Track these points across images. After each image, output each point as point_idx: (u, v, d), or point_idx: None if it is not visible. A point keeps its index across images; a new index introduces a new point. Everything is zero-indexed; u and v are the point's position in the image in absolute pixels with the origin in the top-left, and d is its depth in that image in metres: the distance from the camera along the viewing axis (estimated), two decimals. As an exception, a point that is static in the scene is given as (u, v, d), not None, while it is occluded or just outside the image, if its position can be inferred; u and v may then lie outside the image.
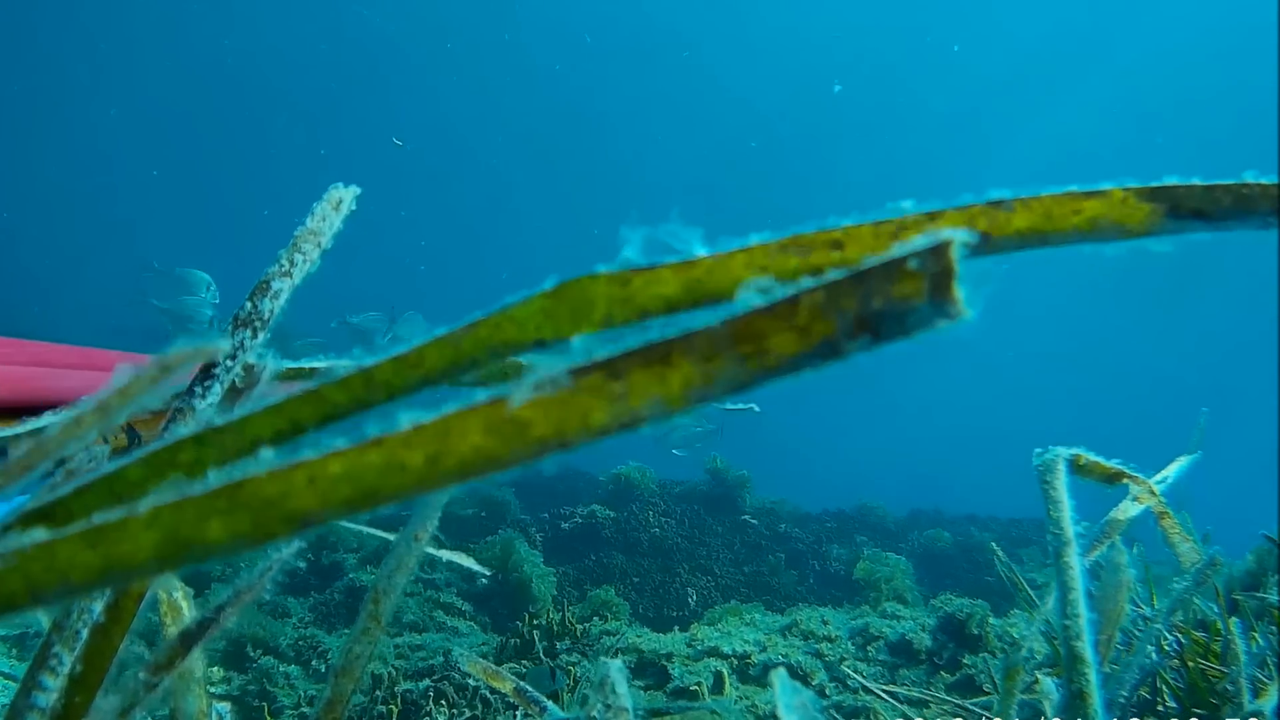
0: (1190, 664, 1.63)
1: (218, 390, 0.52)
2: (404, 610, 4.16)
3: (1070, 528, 0.77)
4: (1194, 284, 23.53)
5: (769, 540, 5.85)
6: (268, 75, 23.20)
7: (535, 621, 3.83)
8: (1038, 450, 0.80)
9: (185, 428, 0.49)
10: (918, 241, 0.20)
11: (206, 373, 0.51)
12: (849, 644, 4.01)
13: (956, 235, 0.20)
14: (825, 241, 0.31)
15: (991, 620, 3.93)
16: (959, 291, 0.20)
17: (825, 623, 4.10)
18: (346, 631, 3.96)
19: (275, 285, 0.53)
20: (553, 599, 4.63)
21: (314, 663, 3.61)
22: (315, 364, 0.64)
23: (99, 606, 0.50)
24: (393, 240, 26.45)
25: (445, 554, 1.14)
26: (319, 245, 0.55)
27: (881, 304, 0.20)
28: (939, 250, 0.19)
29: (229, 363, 0.52)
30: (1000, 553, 2.65)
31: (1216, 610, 1.71)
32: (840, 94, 23.74)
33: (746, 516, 5.82)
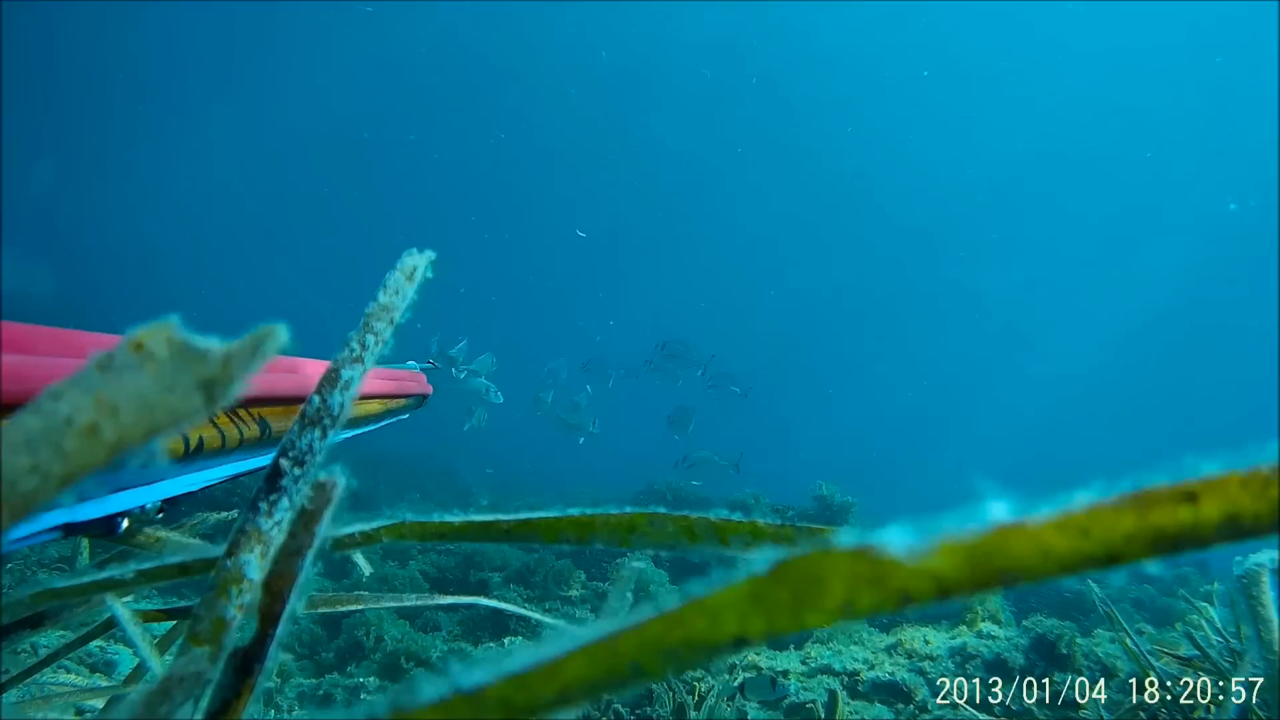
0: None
1: (285, 507, 0.44)
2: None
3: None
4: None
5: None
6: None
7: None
8: (1238, 559, 0.68)
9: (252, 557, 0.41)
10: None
11: (273, 485, 0.44)
12: (949, 662, 4.26)
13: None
14: (1173, 495, 0.21)
15: (1078, 640, 4.17)
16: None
17: (927, 642, 4.35)
18: (491, 645, 4.13)
19: (345, 374, 0.46)
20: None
21: (462, 673, 3.85)
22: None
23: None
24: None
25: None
26: (392, 322, 0.48)
27: None
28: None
29: (296, 471, 0.44)
30: (1097, 589, 2.62)
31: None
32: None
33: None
